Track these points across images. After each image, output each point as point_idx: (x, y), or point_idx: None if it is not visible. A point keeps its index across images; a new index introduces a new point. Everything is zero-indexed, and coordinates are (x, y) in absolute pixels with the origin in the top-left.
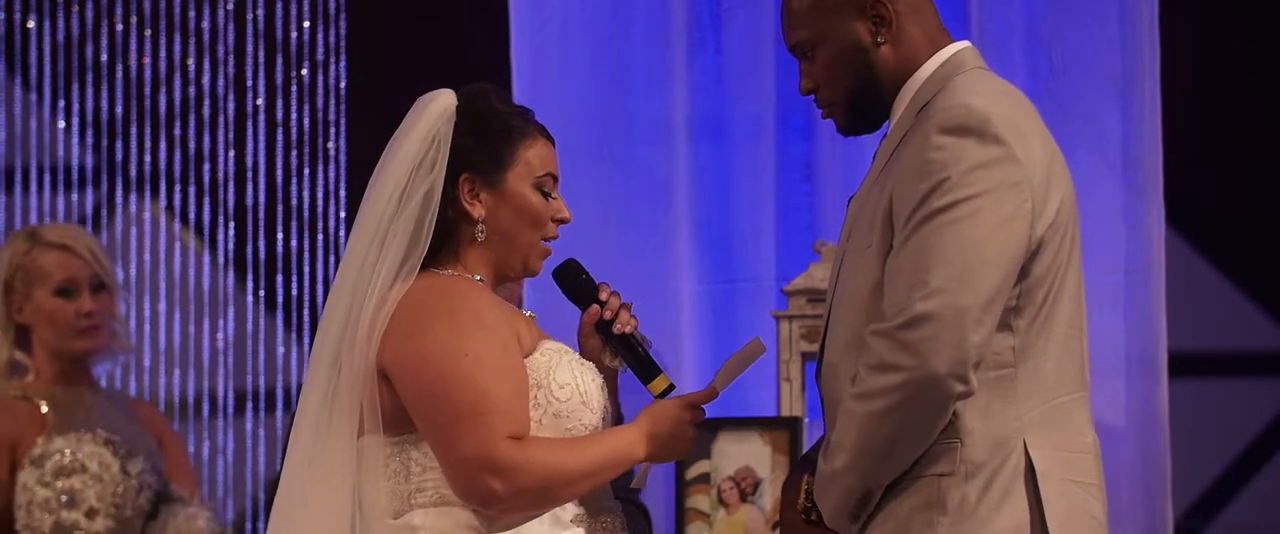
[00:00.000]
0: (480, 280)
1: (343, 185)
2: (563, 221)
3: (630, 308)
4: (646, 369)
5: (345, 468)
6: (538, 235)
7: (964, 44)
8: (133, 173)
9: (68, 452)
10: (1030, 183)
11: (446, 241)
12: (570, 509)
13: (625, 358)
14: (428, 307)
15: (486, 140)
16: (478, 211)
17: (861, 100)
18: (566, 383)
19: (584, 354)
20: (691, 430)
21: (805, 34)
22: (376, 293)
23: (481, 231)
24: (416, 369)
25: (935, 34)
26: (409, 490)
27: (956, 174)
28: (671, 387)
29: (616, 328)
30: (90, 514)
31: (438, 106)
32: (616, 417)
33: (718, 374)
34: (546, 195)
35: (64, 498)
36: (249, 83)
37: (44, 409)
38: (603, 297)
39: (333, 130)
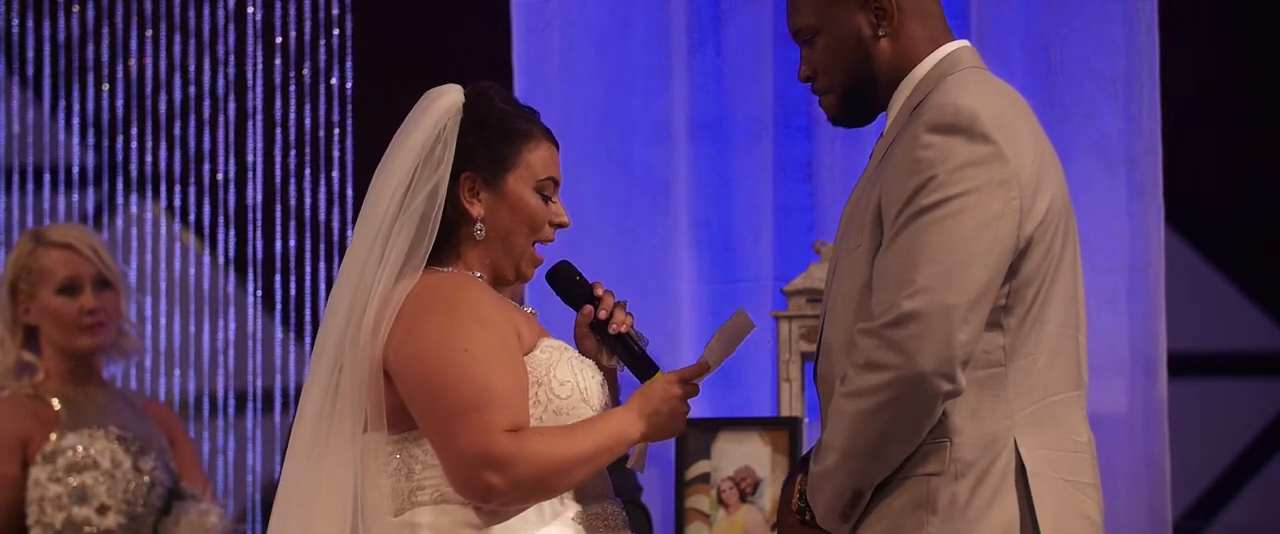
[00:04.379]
0: (480, 277)
1: (350, 187)
2: (561, 226)
3: (625, 306)
4: (643, 367)
5: (346, 466)
6: (533, 239)
7: (962, 42)
8: (133, 173)
9: (79, 447)
10: (1018, 181)
11: (448, 239)
12: (570, 505)
13: (621, 357)
14: (427, 303)
15: (490, 140)
16: (477, 211)
17: (856, 91)
18: (567, 380)
19: (581, 354)
20: (685, 406)
21: (808, 20)
22: (381, 290)
23: (480, 231)
24: (414, 365)
25: (937, 32)
26: (410, 488)
27: (944, 172)
28: None
29: (612, 327)
30: (101, 510)
31: (445, 102)
32: None
33: (707, 348)
34: (546, 199)
35: (76, 494)
36: (249, 83)
37: (56, 407)
38: (597, 295)
39: (337, 132)
